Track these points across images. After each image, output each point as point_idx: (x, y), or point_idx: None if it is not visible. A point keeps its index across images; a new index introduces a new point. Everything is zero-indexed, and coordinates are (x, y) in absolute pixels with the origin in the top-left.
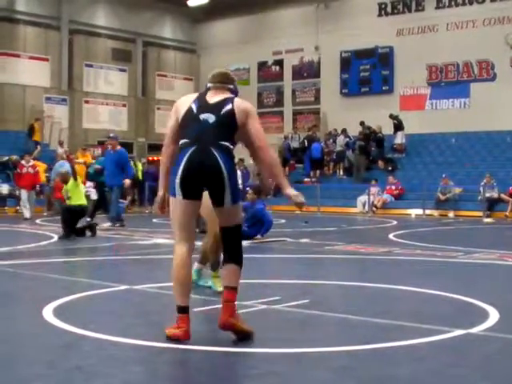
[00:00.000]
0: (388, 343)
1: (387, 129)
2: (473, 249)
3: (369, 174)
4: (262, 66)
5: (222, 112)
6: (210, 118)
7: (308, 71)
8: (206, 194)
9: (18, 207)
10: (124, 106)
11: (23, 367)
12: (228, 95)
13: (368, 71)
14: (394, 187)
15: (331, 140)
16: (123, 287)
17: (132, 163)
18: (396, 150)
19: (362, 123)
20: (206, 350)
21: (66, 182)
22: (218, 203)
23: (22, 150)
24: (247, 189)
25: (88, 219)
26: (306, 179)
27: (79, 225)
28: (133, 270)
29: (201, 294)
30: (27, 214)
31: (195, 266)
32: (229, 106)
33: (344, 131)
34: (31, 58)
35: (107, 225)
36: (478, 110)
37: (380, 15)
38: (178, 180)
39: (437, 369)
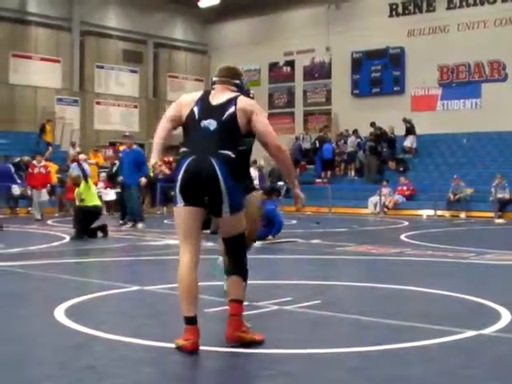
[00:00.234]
0: (399, 344)
1: (399, 130)
2: (484, 250)
3: (380, 174)
4: (273, 66)
5: (223, 117)
6: (211, 124)
7: (319, 72)
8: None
9: (30, 208)
10: (135, 107)
11: (35, 367)
12: (232, 95)
13: (379, 72)
14: (405, 188)
15: (342, 141)
16: (135, 288)
17: None
18: (407, 151)
19: (372, 124)
20: (217, 351)
21: (77, 185)
22: (216, 214)
23: (34, 151)
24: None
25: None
26: (317, 180)
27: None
28: (144, 271)
29: (211, 295)
30: (38, 215)
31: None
32: (231, 110)
33: (355, 132)
34: (43, 59)
35: (129, 225)
36: (490, 111)
37: (391, 16)
38: (177, 189)
39: (448, 370)
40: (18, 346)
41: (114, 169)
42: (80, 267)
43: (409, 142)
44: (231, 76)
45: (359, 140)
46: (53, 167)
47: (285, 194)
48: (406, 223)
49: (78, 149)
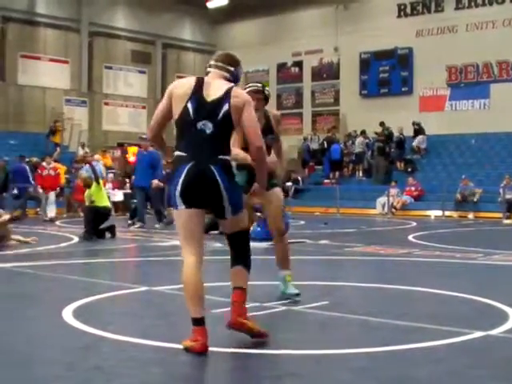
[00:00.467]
0: (407, 345)
1: (407, 130)
2: (492, 250)
3: (388, 175)
4: (281, 67)
5: (219, 117)
6: (208, 127)
7: (327, 72)
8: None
9: (39, 209)
10: (143, 107)
11: (43, 368)
12: (226, 86)
13: (387, 72)
14: (413, 188)
15: (350, 141)
16: (143, 288)
17: None
18: (415, 151)
19: (382, 124)
20: (226, 352)
21: (88, 186)
22: (219, 216)
23: (43, 152)
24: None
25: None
26: (325, 181)
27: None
28: (152, 272)
29: (218, 295)
30: (49, 214)
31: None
32: (225, 107)
33: (363, 133)
34: (51, 60)
35: (138, 226)
36: (498, 111)
37: (399, 16)
38: (177, 193)
39: (456, 371)
40: (26, 346)
41: None
42: (88, 268)
43: (418, 142)
44: (228, 63)
45: (367, 141)
46: (61, 168)
47: (293, 194)
48: (414, 224)
49: (86, 149)
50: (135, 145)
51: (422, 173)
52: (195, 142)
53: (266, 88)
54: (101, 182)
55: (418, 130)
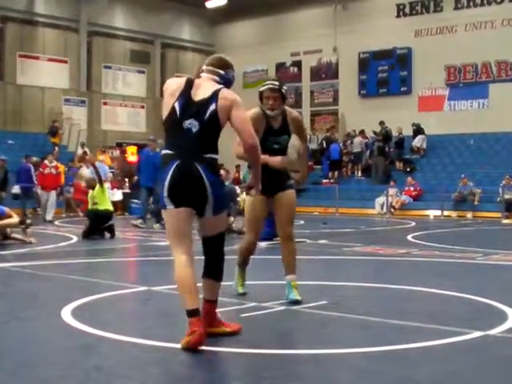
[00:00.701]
0: (406, 345)
1: (406, 130)
2: (491, 250)
3: (387, 175)
4: (280, 67)
5: (205, 116)
6: (194, 125)
7: (326, 72)
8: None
9: (38, 208)
10: (142, 107)
11: (42, 368)
12: (215, 88)
13: (386, 72)
14: (412, 188)
15: (349, 141)
16: (142, 288)
17: None
18: (414, 151)
19: (381, 123)
20: (226, 352)
21: (92, 188)
22: (199, 214)
23: (42, 152)
24: None
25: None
26: (324, 180)
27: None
28: (152, 271)
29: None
30: (48, 216)
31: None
32: (212, 107)
33: (361, 132)
34: (50, 59)
35: (139, 221)
36: (497, 111)
37: (398, 16)
38: (165, 194)
39: (455, 371)
40: (24, 346)
41: None
42: (87, 268)
43: (418, 141)
44: (218, 66)
45: (366, 140)
46: (61, 167)
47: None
48: (413, 223)
49: (85, 149)
50: (134, 144)
51: (420, 172)
52: (182, 140)
53: (284, 87)
54: (104, 185)
55: (417, 131)
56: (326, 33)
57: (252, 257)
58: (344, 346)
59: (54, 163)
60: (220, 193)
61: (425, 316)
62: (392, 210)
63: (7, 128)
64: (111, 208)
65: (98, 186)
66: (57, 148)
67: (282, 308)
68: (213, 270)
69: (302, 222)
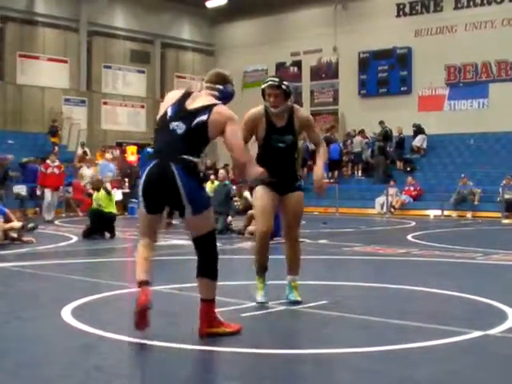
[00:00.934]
0: (407, 344)
1: (406, 130)
2: (491, 250)
3: (387, 174)
4: (280, 67)
5: (193, 123)
6: (180, 128)
7: (326, 72)
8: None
9: (38, 208)
10: (142, 107)
11: (42, 368)
12: (210, 102)
13: (386, 72)
14: (412, 188)
15: (349, 141)
16: None
17: None
18: (415, 151)
19: (381, 122)
20: (226, 352)
21: (97, 189)
22: (180, 214)
23: (41, 152)
24: None
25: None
26: (324, 180)
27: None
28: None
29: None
30: (49, 216)
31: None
32: (203, 117)
33: (361, 132)
34: (50, 59)
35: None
36: (497, 111)
37: (398, 16)
38: (140, 193)
39: (455, 370)
40: (24, 346)
41: None
42: (87, 267)
43: (418, 141)
44: (216, 82)
45: (366, 140)
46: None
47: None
48: (413, 223)
49: (85, 149)
50: (134, 144)
51: (420, 172)
52: (165, 140)
53: (285, 82)
54: (112, 194)
55: (418, 131)
56: (326, 32)
57: (252, 257)
58: (344, 346)
59: (57, 163)
60: (196, 194)
61: (425, 316)
62: (392, 209)
63: (7, 128)
64: (115, 211)
65: (105, 195)
66: (56, 148)
67: (282, 308)
68: (206, 269)
69: (303, 221)
